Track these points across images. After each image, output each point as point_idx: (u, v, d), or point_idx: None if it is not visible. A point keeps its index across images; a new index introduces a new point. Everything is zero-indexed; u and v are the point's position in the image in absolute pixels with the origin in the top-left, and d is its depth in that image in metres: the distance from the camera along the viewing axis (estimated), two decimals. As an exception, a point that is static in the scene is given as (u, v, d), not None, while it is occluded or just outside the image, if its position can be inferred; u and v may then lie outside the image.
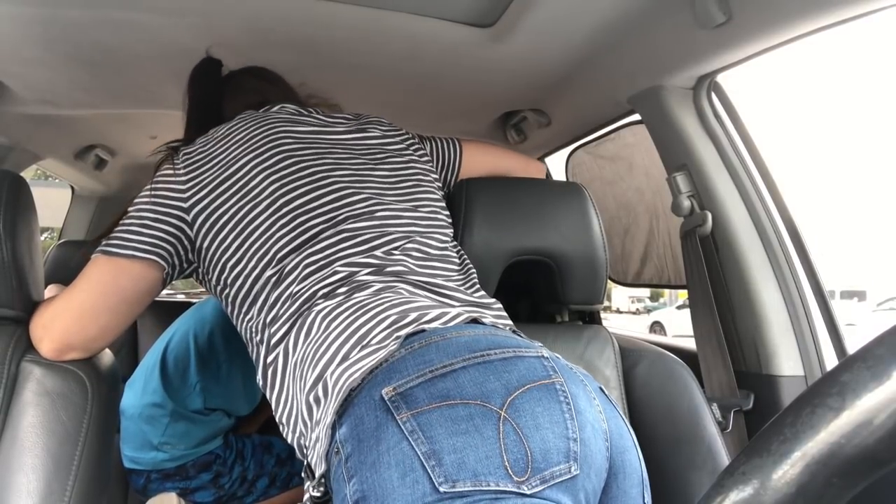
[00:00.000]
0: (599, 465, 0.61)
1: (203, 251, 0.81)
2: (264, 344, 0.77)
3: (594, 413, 0.63)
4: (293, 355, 0.72)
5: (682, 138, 1.20)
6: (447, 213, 0.92)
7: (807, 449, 0.25)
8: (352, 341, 0.67)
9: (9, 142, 1.61)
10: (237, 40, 1.16)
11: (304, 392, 0.68)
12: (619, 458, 0.64)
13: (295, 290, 0.75)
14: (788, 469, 0.26)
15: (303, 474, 0.72)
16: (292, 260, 0.76)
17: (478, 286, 0.85)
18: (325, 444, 0.63)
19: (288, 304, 0.74)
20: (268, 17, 1.10)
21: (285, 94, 1.06)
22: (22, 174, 0.88)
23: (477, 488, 0.54)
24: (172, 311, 1.99)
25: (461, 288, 0.81)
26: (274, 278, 0.76)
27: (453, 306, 0.74)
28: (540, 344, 0.70)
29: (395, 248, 0.80)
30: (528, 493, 0.55)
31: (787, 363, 1.11)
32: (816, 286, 1.12)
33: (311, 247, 0.77)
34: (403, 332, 0.66)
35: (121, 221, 0.82)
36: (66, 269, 1.66)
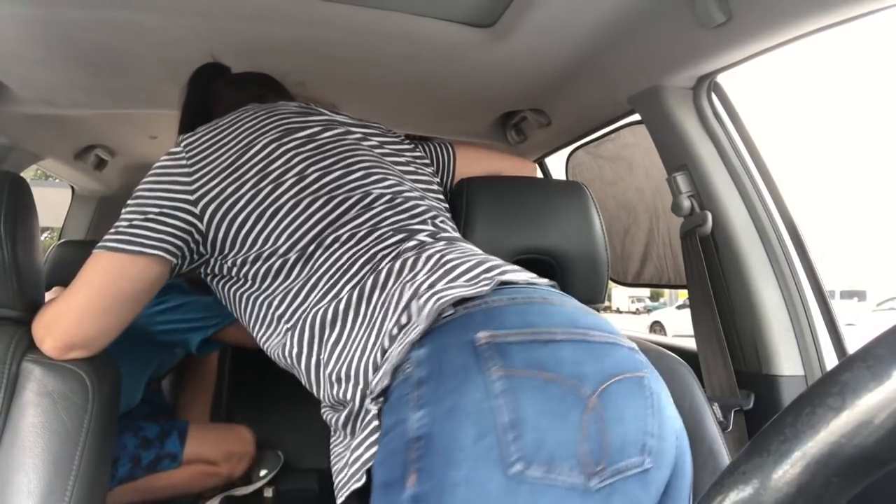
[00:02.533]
0: (670, 461, 0.62)
1: (217, 241, 0.79)
2: (298, 311, 0.75)
3: (672, 411, 0.64)
4: (362, 306, 0.70)
5: (682, 138, 1.20)
6: (450, 214, 0.93)
7: (807, 448, 0.25)
8: (438, 274, 0.67)
9: (9, 142, 1.61)
10: (237, 40, 1.16)
11: (379, 333, 0.66)
12: (680, 458, 0.64)
13: (348, 256, 0.75)
14: (789, 469, 0.26)
15: (327, 400, 0.71)
16: (333, 229, 0.76)
17: None
18: (398, 359, 0.60)
19: (341, 269, 0.74)
20: (268, 18, 1.10)
21: (283, 97, 1.06)
22: (22, 174, 0.88)
23: (547, 476, 0.52)
24: (172, 311, 1.99)
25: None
26: (311, 249, 0.76)
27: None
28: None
29: (437, 219, 0.81)
30: (596, 488, 0.54)
31: (787, 363, 1.11)
32: (816, 286, 1.12)
33: (352, 218, 0.77)
34: (494, 277, 0.65)
35: (122, 215, 0.79)
36: (66, 269, 1.65)
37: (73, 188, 2.34)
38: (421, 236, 0.76)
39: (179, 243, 0.78)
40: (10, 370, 0.75)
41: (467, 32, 1.16)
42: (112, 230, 0.78)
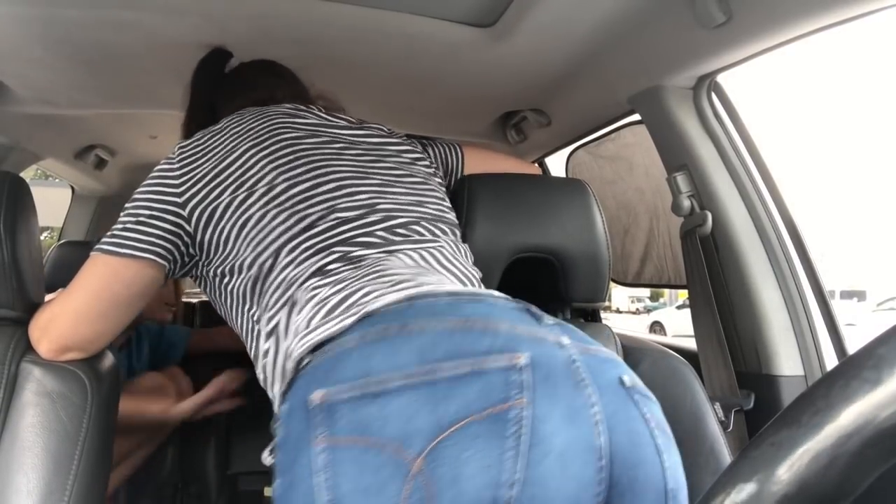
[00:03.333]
0: (571, 494, 0.51)
1: (204, 244, 0.79)
2: (262, 335, 0.75)
3: (578, 431, 0.52)
4: (283, 341, 0.69)
5: (682, 138, 1.20)
6: (454, 214, 0.90)
7: (840, 421, 0.25)
8: (321, 312, 0.64)
9: (9, 142, 1.61)
10: (237, 40, 1.16)
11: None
12: (626, 474, 0.53)
13: (290, 275, 0.72)
14: (821, 440, 0.25)
15: None
16: (289, 247, 0.74)
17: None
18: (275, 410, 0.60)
19: (282, 289, 0.72)
20: (268, 18, 1.10)
21: (293, 90, 1.03)
22: (22, 174, 0.88)
23: None
24: (172, 311, 1.99)
25: (470, 274, 0.79)
26: (269, 265, 0.74)
27: (450, 279, 0.70)
28: (553, 327, 0.60)
29: (400, 227, 0.78)
30: None
31: (787, 363, 1.11)
32: (816, 286, 1.12)
33: (308, 233, 0.75)
34: (369, 306, 0.60)
35: (119, 218, 0.81)
36: (65, 270, 1.65)
37: (73, 188, 2.34)
38: (356, 252, 0.73)
39: (170, 246, 0.79)
40: (9, 370, 0.75)
41: (467, 32, 1.16)
42: (108, 233, 0.79)
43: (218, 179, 0.79)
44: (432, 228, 0.81)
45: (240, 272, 0.77)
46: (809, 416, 0.26)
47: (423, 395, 0.51)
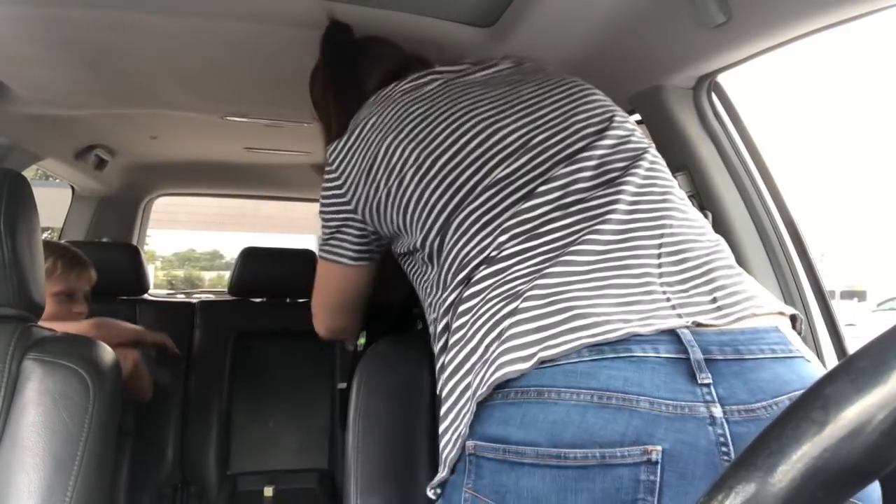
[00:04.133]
0: None
1: (381, 235, 0.82)
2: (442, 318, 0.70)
3: None
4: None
5: (682, 138, 1.20)
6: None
7: (792, 463, 0.25)
8: (494, 333, 0.57)
9: (9, 142, 1.61)
10: (237, 40, 1.16)
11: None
12: None
13: (463, 253, 0.67)
14: (775, 483, 0.26)
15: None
16: (453, 221, 0.69)
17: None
18: (454, 451, 0.57)
19: (455, 269, 0.66)
20: (268, 17, 1.10)
21: (407, 57, 0.98)
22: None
23: None
24: (172, 310, 1.99)
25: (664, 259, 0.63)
26: (437, 245, 0.70)
27: (648, 299, 0.57)
28: (710, 388, 0.52)
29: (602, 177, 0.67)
30: None
31: (788, 363, 1.11)
32: (816, 286, 1.12)
33: (470, 203, 0.68)
34: (540, 351, 0.53)
35: (323, 224, 0.85)
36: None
37: (73, 188, 2.34)
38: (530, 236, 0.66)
39: (371, 246, 0.87)
40: (10, 369, 0.75)
41: (467, 32, 1.16)
42: (325, 238, 0.87)
43: (371, 175, 0.77)
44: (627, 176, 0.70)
45: (416, 255, 0.79)
46: (764, 458, 0.26)
47: (552, 478, 0.49)
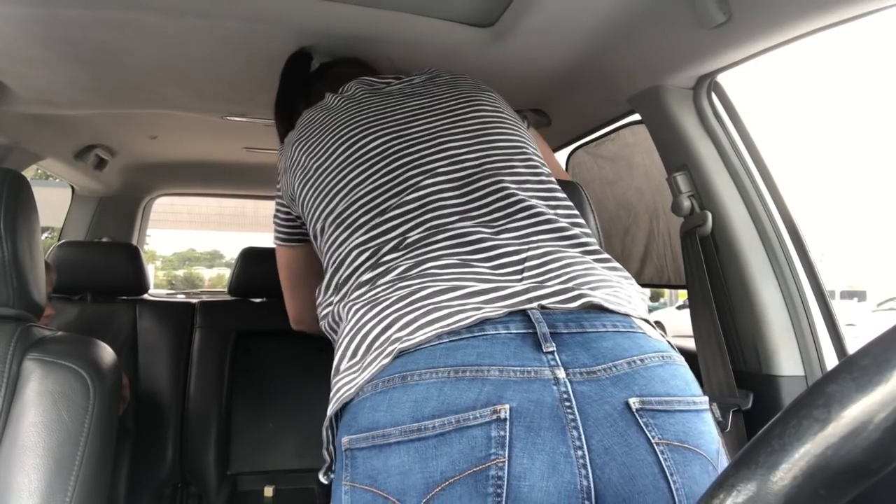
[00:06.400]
0: None
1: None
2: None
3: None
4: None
5: (682, 138, 1.20)
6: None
7: (794, 461, 0.25)
8: (358, 338, 0.64)
9: (9, 142, 1.61)
10: (237, 40, 1.16)
11: None
12: None
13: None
14: (777, 481, 0.26)
15: None
16: (318, 226, 0.81)
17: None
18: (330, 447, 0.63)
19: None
20: (268, 17, 1.10)
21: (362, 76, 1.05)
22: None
23: None
24: (172, 310, 1.99)
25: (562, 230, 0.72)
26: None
27: (507, 284, 0.63)
28: (554, 355, 0.57)
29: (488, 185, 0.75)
30: None
31: (787, 363, 1.11)
32: (816, 286, 1.12)
33: (332, 211, 0.79)
34: (398, 345, 0.58)
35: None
36: (66, 270, 1.66)
37: (73, 188, 2.34)
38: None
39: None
40: (10, 369, 0.75)
41: (467, 32, 1.16)
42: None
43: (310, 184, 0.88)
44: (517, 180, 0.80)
45: None
46: (766, 456, 0.26)
47: (416, 450, 0.53)
